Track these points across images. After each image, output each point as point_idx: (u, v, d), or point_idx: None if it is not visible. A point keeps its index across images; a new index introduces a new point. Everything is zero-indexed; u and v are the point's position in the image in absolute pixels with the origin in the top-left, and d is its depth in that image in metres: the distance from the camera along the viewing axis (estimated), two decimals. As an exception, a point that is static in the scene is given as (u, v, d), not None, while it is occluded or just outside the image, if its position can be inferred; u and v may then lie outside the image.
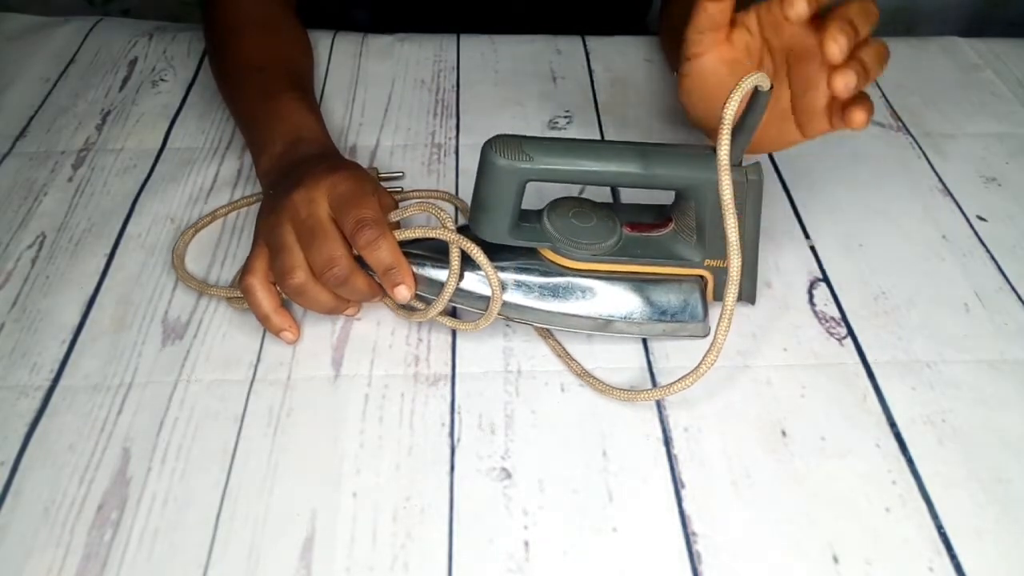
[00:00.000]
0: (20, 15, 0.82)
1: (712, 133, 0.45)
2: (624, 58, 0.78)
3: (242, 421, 0.47)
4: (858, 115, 0.45)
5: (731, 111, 0.43)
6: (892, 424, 0.48)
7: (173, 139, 0.68)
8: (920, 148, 0.68)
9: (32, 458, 0.45)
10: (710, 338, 0.50)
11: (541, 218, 0.50)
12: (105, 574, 0.41)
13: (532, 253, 0.50)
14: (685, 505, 0.44)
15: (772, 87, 0.44)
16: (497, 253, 0.49)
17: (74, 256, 0.57)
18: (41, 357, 0.50)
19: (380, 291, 0.50)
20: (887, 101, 0.73)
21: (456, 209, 0.61)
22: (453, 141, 0.68)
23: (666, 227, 0.51)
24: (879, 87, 0.74)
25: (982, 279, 0.56)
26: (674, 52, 0.69)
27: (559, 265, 0.50)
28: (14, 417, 0.47)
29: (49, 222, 0.60)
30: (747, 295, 0.53)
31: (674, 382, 0.46)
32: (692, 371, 0.46)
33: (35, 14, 0.83)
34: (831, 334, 0.53)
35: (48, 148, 0.67)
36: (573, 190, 0.61)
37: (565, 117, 0.71)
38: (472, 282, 0.49)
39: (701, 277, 0.51)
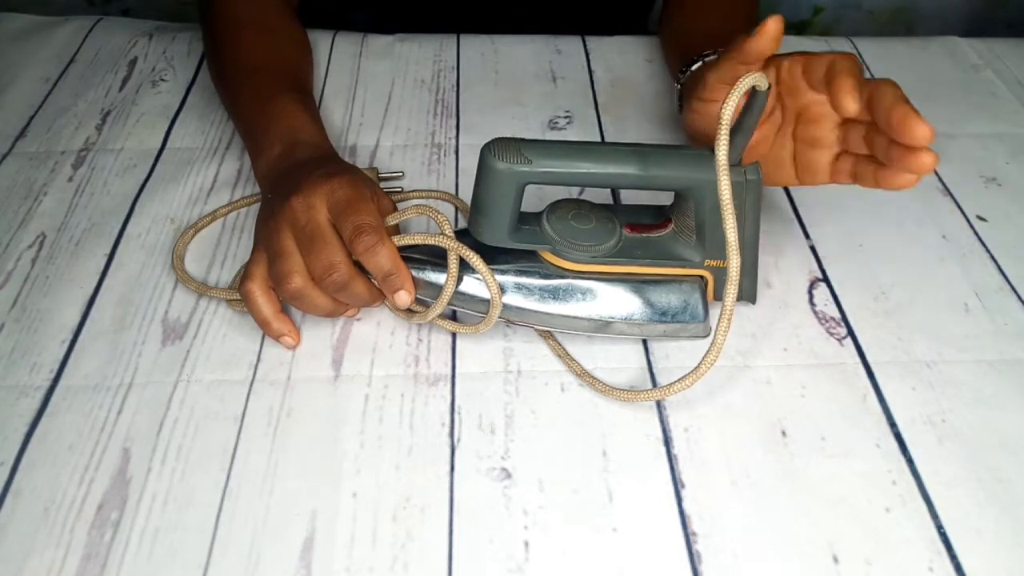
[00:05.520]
0: (20, 15, 0.82)
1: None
2: (624, 58, 0.78)
3: (242, 421, 0.47)
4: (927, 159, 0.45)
5: (729, 111, 0.43)
6: (892, 424, 0.48)
7: (173, 139, 0.68)
8: (920, 148, 0.68)
9: (32, 458, 0.45)
10: (710, 338, 0.50)
11: (540, 220, 0.50)
12: (105, 574, 0.41)
13: (532, 255, 0.50)
14: (685, 505, 0.44)
15: (770, 87, 0.44)
16: (497, 256, 0.49)
17: (74, 256, 0.57)
18: (41, 357, 0.50)
19: (380, 296, 0.50)
20: (887, 101, 0.73)
21: (456, 209, 0.61)
22: (453, 141, 0.68)
23: (666, 228, 0.51)
24: (879, 87, 0.74)
25: (982, 279, 0.56)
26: (677, 64, 0.69)
27: (559, 267, 0.50)
28: (14, 417, 0.47)
29: (49, 222, 0.60)
30: (747, 295, 0.53)
31: (674, 382, 0.46)
32: (692, 371, 0.46)
33: (35, 14, 0.82)
34: (831, 334, 0.53)
35: (48, 148, 0.67)
36: (572, 192, 0.61)
37: (565, 117, 0.71)
38: (472, 286, 0.49)
39: (701, 277, 0.51)
